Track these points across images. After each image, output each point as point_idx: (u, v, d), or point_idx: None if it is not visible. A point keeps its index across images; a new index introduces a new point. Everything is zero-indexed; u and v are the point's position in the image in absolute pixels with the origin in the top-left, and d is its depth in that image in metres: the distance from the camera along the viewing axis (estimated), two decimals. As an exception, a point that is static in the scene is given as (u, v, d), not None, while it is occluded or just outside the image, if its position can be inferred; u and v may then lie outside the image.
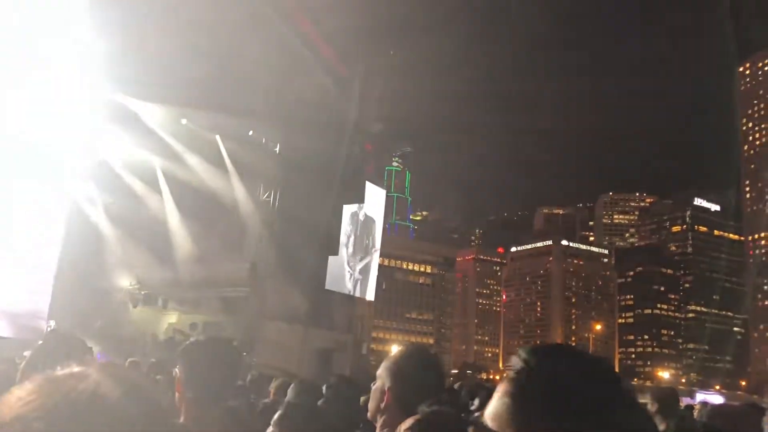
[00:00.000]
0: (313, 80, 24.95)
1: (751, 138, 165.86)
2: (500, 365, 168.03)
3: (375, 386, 2.35)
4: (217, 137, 26.02)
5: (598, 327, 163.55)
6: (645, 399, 5.29)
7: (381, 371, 2.36)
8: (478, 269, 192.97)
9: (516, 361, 1.05)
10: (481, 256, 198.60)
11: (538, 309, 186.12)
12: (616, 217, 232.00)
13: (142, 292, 27.99)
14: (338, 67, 26.90)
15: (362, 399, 4.10)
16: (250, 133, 25.75)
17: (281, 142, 25.32)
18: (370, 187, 28.33)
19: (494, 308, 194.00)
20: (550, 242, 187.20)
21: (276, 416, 2.68)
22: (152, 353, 21.08)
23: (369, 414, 2.36)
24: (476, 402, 6.14)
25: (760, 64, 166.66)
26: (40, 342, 3.32)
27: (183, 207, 27.14)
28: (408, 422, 2.01)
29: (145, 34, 19.79)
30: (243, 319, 24.48)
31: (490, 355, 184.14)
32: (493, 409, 1.02)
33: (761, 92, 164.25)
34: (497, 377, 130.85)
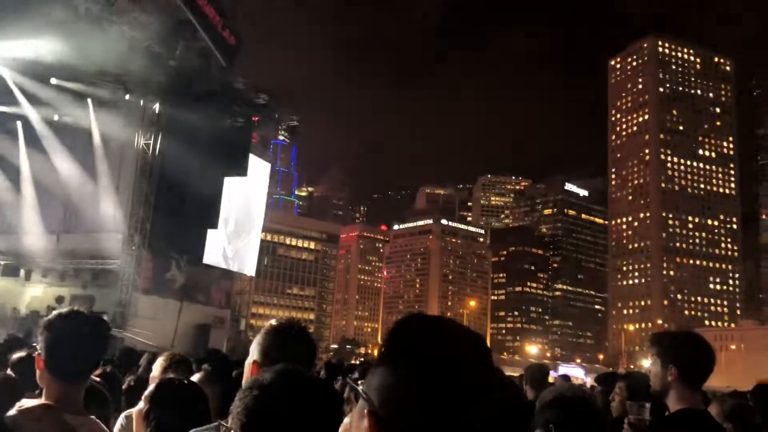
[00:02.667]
0: (196, 45, 23.97)
1: (618, 129, 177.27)
2: (379, 339, 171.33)
3: (247, 361, 2.32)
4: (89, 101, 24.59)
5: (473, 303, 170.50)
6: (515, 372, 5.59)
7: (252, 345, 2.35)
8: (362, 246, 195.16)
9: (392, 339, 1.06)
10: (365, 233, 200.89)
11: (417, 285, 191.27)
12: (493, 198, 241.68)
13: (1, 263, 26.15)
14: (224, 33, 25.99)
15: (235, 372, 4.05)
16: (127, 97, 24.47)
17: (161, 108, 24.24)
18: (254, 160, 27.75)
19: (375, 284, 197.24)
20: (430, 221, 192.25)
21: (147, 392, 2.59)
22: (13, 328, 19.78)
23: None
24: (355, 375, 6.28)
25: (629, 59, 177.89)
26: None
27: (48, 173, 25.57)
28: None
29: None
30: (114, 292, 23.41)
31: (369, 330, 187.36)
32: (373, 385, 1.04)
33: (629, 86, 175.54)
34: (375, 351, 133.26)
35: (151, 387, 2.65)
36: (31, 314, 23.60)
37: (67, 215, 25.50)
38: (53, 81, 23.91)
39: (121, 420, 3.27)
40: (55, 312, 2.64)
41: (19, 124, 25.30)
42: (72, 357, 2.44)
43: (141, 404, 2.54)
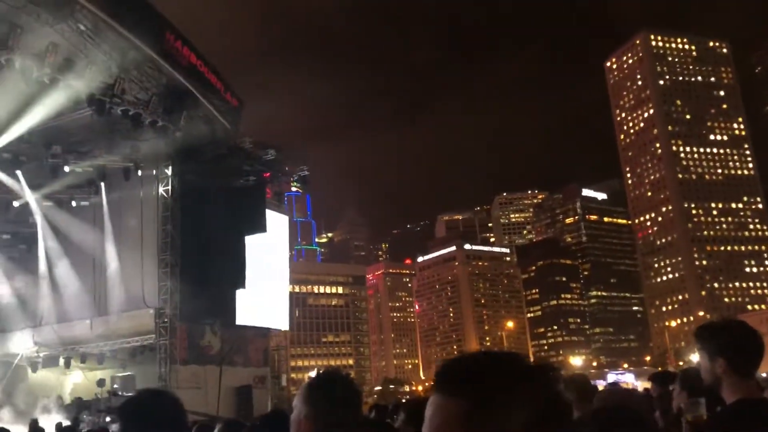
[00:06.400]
0: (199, 113, 24.46)
1: (625, 127, 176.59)
2: (421, 375, 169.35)
3: (293, 417, 2.33)
4: (102, 185, 25.15)
5: (510, 324, 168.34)
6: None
7: (295, 401, 2.35)
8: (389, 283, 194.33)
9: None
10: (390, 270, 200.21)
11: (451, 314, 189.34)
12: (512, 216, 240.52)
13: (41, 354, 26.42)
14: (227, 96, 26.55)
15: None
16: (139, 173, 24.95)
17: (173, 179, 24.65)
18: (271, 214, 27.98)
19: (408, 320, 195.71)
20: (453, 248, 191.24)
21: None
22: (60, 416, 19.90)
23: None
24: (401, 417, 6.20)
25: (624, 58, 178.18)
26: None
27: (72, 261, 26.04)
28: None
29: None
30: (153, 367, 23.51)
31: (410, 366, 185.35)
32: None
33: (629, 84, 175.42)
34: (419, 387, 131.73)
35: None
36: (75, 401, 23.75)
37: (97, 299, 25.81)
38: (66, 169, 24.51)
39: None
40: (130, 396, 2.63)
41: (38, 217, 25.85)
42: None
43: None
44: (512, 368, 1.09)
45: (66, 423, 16.34)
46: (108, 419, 17.42)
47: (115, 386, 23.22)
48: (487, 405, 1.02)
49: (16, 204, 25.67)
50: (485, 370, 1.07)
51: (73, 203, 26.16)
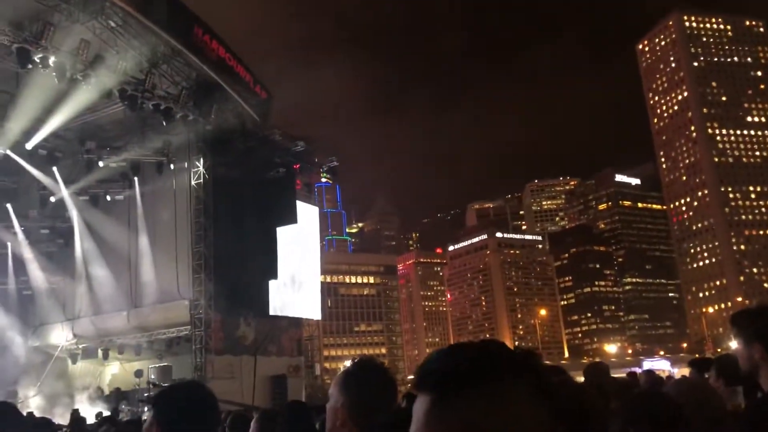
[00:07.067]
0: (229, 106, 24.65)
1: (658, 111, 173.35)
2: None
3: (329, 405, 2.33)
4: (135, 180, 25.57)
5: (543, 312, 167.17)
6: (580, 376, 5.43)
7: (331, 389, 2.35)
8: (420, 272, 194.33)
9: None
10: (421, 259, 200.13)
11: (483, 303, 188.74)
12: (544, 203, 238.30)
13: (80, 347, 27.02)
14: (256, 89, 26.71)
15: (322, 418, 4.08)
16: (172, 167, 25.27)
17: (205, 172, 24.92)
18: (302, 205, 28.12)
19: (440, 308, 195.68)
20: (485, 236, 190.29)
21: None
22: (100, 406, 20.36)
23: None
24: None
25: (657, 40, 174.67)
26: None
27: (107, 254, 26.55)
28: None
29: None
30: (189, 357, 23.88)
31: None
32: None
33: (661, 66, 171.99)
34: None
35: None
36: (114, 392, 24.26)
37: (132, 291, 26.24)
38: (101, 164, 24.93)
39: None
40: (162, 388, 2.67)
41: (74, 212, 26.35)
42: (189, 428, 2.42)
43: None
44: (510, 366, 0.94)
45: (106, 413, 16.71)
46: (146, 409, 17.75)
47: (153, 377, 23.64)
48: (477, 405, 0.89)
49: (52, 199, 26.20)
50: (479, 365, 0.93)
51: (108, 198, 26.62)
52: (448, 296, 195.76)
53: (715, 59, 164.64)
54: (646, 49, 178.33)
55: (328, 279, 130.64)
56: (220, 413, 2.60)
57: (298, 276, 29.51)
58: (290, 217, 26.45)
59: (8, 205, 25.96)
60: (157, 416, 2.47)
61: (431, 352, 0.93)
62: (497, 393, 0.90)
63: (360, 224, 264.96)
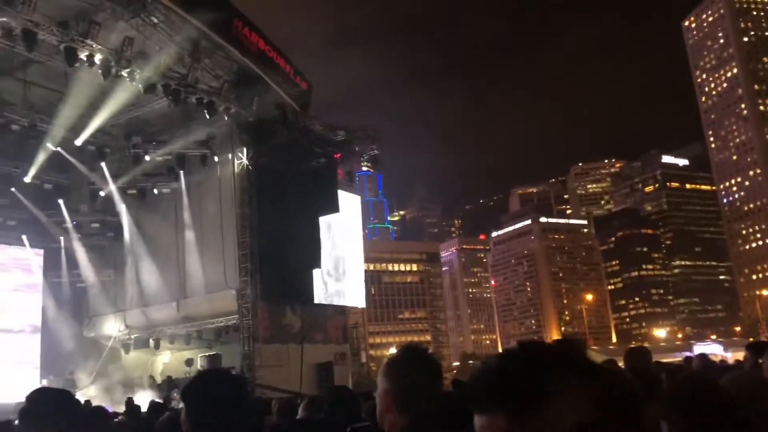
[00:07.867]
0: (269, 98, 24.87)
1: (706, 89, 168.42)
2: (499, 350, 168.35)
3: (377, 392, 2.35)
4: (181, 173, 26.02)
5: (589, 297, 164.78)
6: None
7: (379, 377, 2.37)
8: (463, 259, 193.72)
9: None
10: (464, 246, 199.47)
11: (528, 289, 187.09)
12: (589, 186, 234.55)
13: (132, 337, 27.75)
14: (296, 80, 26.88)
15: (369, 404, 4.14)
16: (216, 159, 25.65)
17: (248, 163, 25.22)
18: (343, 194, 28.24)
19: (485, 295, 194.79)
20: (529, 221, 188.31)
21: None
22: (153, 395, 20.88)
23: (378, 420, 2.37)
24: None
25: (704, 16, 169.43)
26: (24, 403, 3.22)
27: (157, 246, 27.14)
28: None
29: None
30: (238, 346, 24.31)
31: (488, 342, 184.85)
32: None
33: (709, 43, 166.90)
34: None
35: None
36: (165, 380, 24.87)
37: (181, 282, 26.77)
38: (147, 158, 25.45)
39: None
40: (192, 377, 2.73)
41: (122, 206, 26.97)
42: (212, 415, 2.46)
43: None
44: (546, 369, 1.00)
45: (158, 401, 17.12)
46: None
47: (203, 365, 24.14)
48: (525, 417, 0.97)
49: (102, 194, 26.86)
50: (517, 378, 1.00)
51: (155, 191, 27.16)
52: (492, 282, 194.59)
53: (766, 33, 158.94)
54: (693, 25, 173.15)
55: (371, 267, 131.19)
56: (253, 400, 2.63)
57: (342, 265, 29.69)
58: (332, 207, 26.60)
59: (60, 201, 26.69)
60: (186, 409, 2.53)
61: (476, 365, 1.08)
62: (553, 402, 0.97)
63: (401, 212, 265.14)
